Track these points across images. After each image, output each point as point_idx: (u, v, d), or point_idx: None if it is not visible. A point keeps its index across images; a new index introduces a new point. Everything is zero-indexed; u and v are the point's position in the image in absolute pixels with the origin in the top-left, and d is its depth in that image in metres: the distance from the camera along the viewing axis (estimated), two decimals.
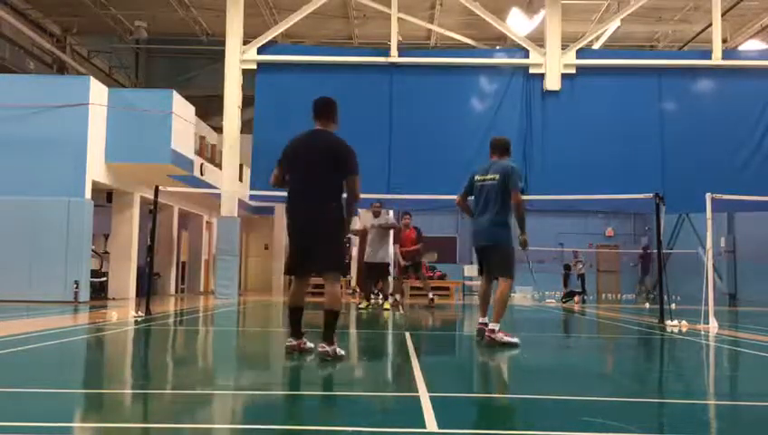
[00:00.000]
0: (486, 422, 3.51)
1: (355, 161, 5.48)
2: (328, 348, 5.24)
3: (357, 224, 13.39)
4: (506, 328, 6.73)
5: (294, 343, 5.52)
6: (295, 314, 5.58)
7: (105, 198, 15.74)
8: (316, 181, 5.41)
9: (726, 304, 19.42)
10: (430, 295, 14.05)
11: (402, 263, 13.84)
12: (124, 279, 15.62)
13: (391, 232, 13.46)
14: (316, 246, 5.39)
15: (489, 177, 6.77)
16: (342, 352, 5.34)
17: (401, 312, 12.54)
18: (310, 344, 5.51)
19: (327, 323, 5.35)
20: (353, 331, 8.92)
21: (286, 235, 5.71)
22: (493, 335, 6.49)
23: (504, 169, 6.76)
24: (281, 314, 12.45)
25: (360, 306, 12.64)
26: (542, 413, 3.71)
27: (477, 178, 6.89)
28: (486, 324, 6.82)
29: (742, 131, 16.32)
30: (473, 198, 7.03)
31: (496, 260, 6.77)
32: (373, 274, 13.06)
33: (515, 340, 6.56)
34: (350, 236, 14.14)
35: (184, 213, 20.24)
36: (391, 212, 20.60)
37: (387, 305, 12.65)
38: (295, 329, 5.58)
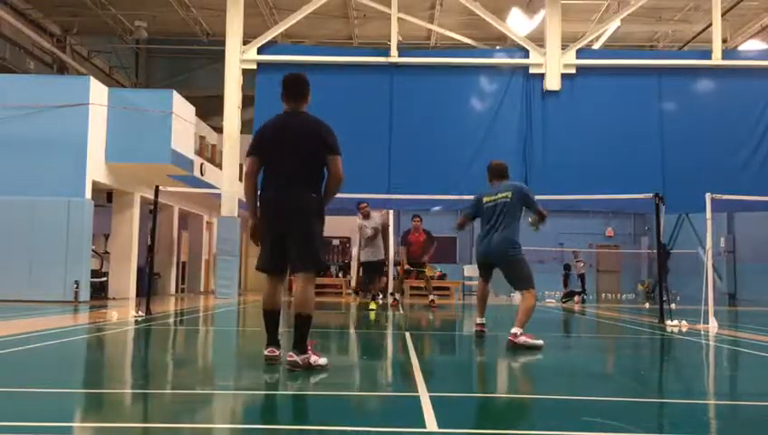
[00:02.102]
0: (486, 422, 3.51)
1: (336, 141, 4.88)
2: (297, 357, 4.65)
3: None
4: (505, 327, 6.73)
5: (276, 352, 4.87)
6: (271, 318, 4.94)
7: (105, 198, 15.74)
8: (296, 169, 4.82)
9: (726, 304, 19.42)
10: (431, 297, 14.00)
11: (406, 266, 13.77)
12: (124, 279, 15.62)
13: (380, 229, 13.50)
14: (291, 239, 4.79)
15: (501, 195, 6.86)
16: (323, 361, 4.81)
17: (401, 312, 12.53)
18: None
19: (296, 328, 4.75)
20: (353, 331, 8.93)
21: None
22: (515, 340, 6.37)
23: (516, 187, 6.96)
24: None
25: (369, 308, 12.48)
26: (542, 413, 3.71)
27: (486, 199, 6.99)
28: (484, 325, 7.01)
29: (742, 131, 16.32)
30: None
31: (517, 274, 6.83)
32: (370, 273, 13.03)
33: (540, 342, 6.45)
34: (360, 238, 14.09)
35: (184, 213, 20.24)
36: (390, 212, 20.58)
37: (373, 305, 12.51)
38: (273, 336, 4.92)
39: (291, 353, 4.70)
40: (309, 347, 4.76)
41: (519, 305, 6.75)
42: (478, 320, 7.10)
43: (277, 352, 4.87)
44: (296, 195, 4.80)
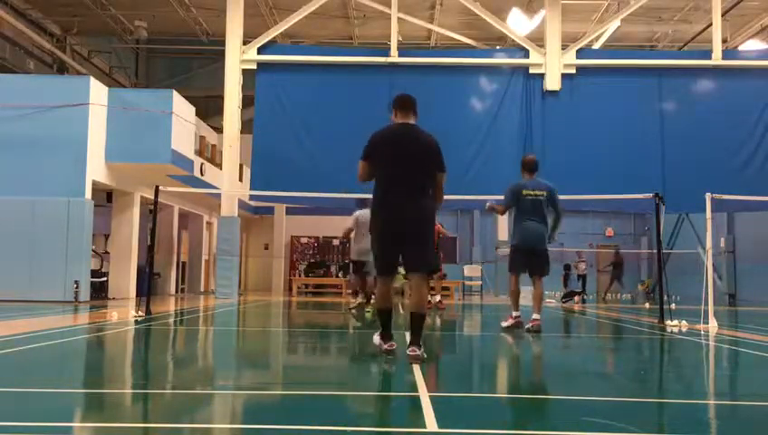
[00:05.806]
0: (486, 422, 3.51)
1: (443, 158, 5.39)
2: (419, 352, 5.07)
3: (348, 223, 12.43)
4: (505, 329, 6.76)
5: (395, 346, 5.28)
6: (385, 317, 5.35)
7: (105, 198, 15.75)
8: (415, 178, 5.22)
9: (726, 304, 19.42)
10: (430, 297, 13.70)
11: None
12: (124, 279, 15.63)
13: None
14: (411, 244, 5.18)
15: (538, 192, 8.08)
16: (425, 355, 5.24)
17: (401, 312, 12.50)
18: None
19: (415, 327, 5.19)
20: (353, 331, 8.92)
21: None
22: (540, 323, 7.76)
23: (548, 187, 8.18)
24: (280, 313, 12.45)
25: (366, 309, 11.95)
26: (542, 413, 3.71)
27: (525, 192, 8.09)
28: (520, 316, 8.05)
29: (742, 131, 16.33)
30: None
31: (543, 261, 8.12)
32: (363, 271, 12.29)
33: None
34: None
35: (184, 213, 20.24)
36: None
37: (370, 308, 11.48)
38: (390, 332, 5.36)
39: (413, 348, 5.10)
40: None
41: (534, 294, 8.02)
42: (515, 314, 8.01)
43: (395, 346, 5.31)
44: (417, 203, 5.20)
